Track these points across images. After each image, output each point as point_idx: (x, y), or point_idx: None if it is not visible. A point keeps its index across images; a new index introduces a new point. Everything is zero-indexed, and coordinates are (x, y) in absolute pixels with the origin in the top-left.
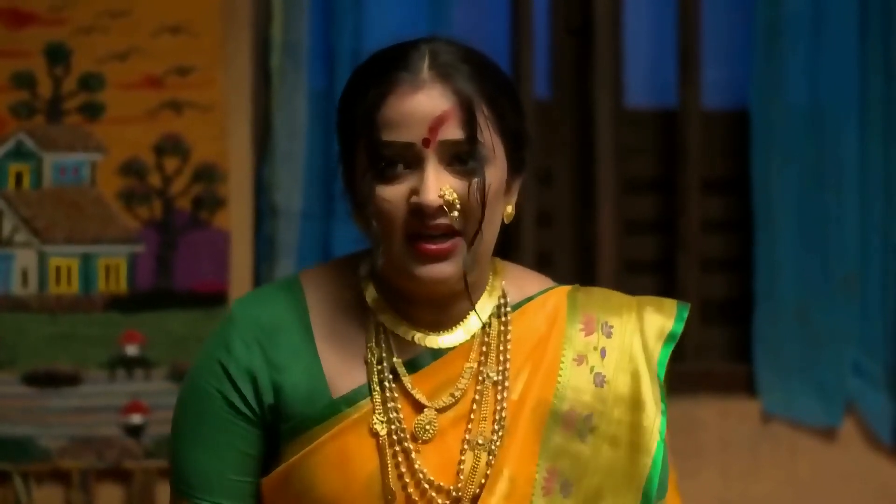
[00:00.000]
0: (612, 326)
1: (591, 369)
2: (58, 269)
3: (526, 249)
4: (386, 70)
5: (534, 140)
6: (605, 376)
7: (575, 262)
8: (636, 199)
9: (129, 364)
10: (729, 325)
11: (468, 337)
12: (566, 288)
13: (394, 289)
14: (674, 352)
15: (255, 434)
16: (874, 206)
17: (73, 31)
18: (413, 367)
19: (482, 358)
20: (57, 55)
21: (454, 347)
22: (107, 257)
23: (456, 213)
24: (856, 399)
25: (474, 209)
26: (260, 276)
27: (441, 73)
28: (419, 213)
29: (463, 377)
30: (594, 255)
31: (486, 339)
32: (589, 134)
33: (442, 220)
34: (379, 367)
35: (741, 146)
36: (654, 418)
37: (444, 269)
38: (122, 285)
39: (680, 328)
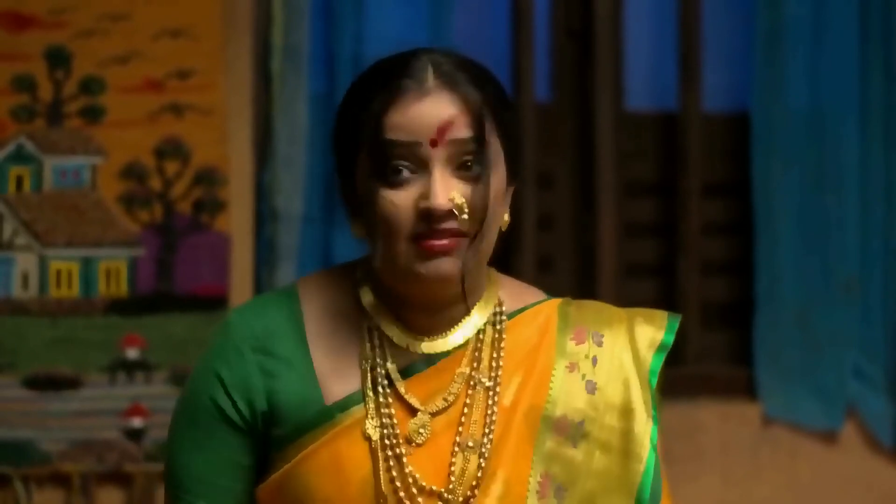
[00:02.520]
0: (602, 336)
1: (583, 376)
2: (58, 273)
3: (526, 252)
4: (391, 77)
5: (528, 146)
6: (596, 383)
7: (575, 266)
8: (637, 202)
9: (130, 367)
10: (729, 329)
11: (462, 342)
12: (558, 301)
13: (391, 293)
14: (674, 355)
15: (246, 443)
16: (875, 210)
17: (73, 34)
18: (407, 373)
19: (475, 364)
20: (57, 59)
21: (448, 353)
22: (107, 261)
23: (465, 216)
24: (856, 403)
25: (479, 213)
26: (260, 279)
27: (446, 81)
28: (427, 218)
29: (455, 381)
30: (595, 259)
31: (480, 346)
32: (589, 137)
33: (450, 224)
34: (373, 372)
35: (742, 149)
36: (645, 425)
37: (447, 266)
38: (122, 289)
39: (671, 339)
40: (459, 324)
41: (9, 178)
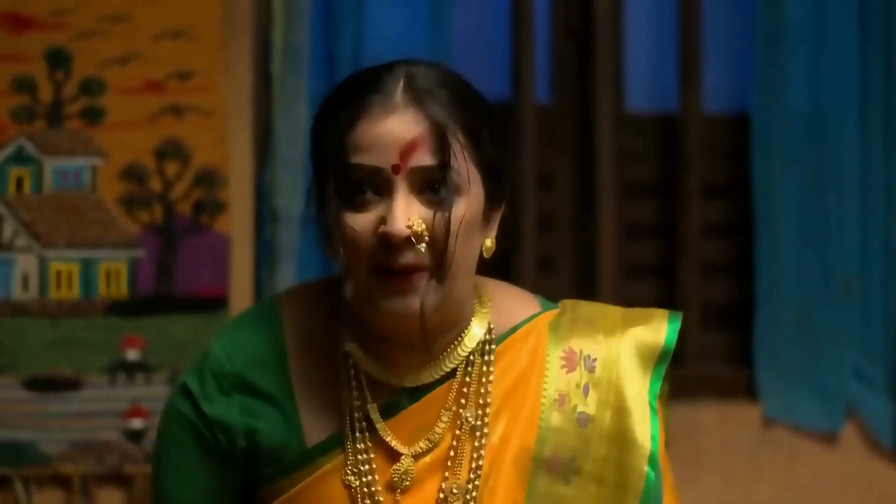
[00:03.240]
0: (595, 360)
1: (574, 409)
2: (58, 274)
3: (526, 253)
4: (358, 93)
5: (528, 147)
6: (588, 415)
7: (575, 267)
8: (637, 203)
9: (130, 369)
10: (730, 330)
11: (448, 371)
12: (550, 315)
13: (367, 325)
14: (674, 356)
15: (224, 469)
16: (875, 210)
17: (73, 35)
18: (389, 411)
19: (462, 400)
20: (58, 60)
21: (432, 388)
22: (107, 262)
23: (423, 246)
24: (856, 403)
25: (442, 242)
26: (261, 280)
27: (415, 97)
28: (386, 244)
29: (441, 420)
30: (595, 260)
31: (467, 380)
32: (590, 138)
33: (409, 258)
34: (351, 416)
35: (742, 150)
36: (640, 453)
37: (412, 303)
38: (122, 290)
39: (672, 341)
40: (442, 355)
41: (9, 180)
